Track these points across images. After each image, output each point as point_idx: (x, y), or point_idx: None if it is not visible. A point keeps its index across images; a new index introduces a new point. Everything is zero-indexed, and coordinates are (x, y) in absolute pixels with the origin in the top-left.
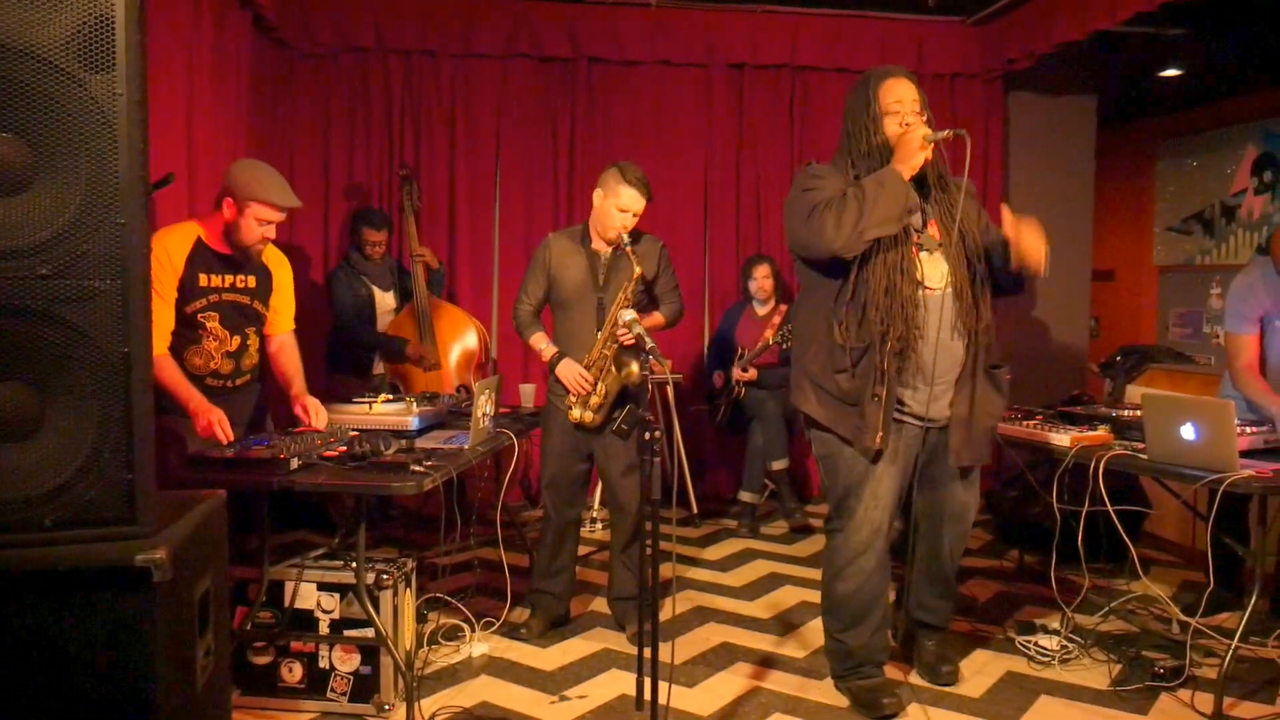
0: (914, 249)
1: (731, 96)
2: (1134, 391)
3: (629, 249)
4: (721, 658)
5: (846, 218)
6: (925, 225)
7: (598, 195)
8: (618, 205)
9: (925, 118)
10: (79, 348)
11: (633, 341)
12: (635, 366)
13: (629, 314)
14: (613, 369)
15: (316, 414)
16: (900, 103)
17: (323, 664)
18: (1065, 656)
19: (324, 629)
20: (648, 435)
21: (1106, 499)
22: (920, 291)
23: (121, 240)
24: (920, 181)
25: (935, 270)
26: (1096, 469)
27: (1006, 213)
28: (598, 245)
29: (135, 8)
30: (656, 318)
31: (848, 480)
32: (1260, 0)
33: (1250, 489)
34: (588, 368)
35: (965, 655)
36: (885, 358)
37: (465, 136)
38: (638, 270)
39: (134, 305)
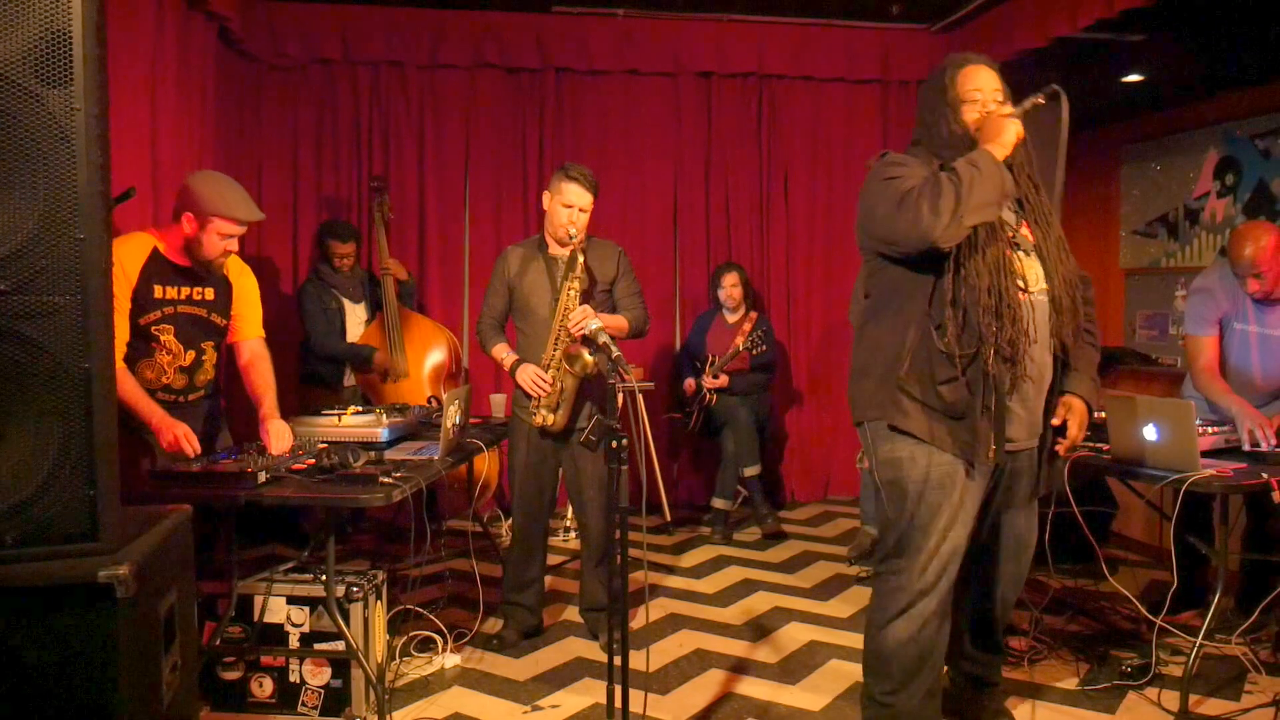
0: (1010, 249)
1: (699, 105)
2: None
3: (574, 242)
4: (694, 665)
5: (944, 202)
6: (1019, 225)
7: (546, 198)
8: (562, 202)
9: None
10: (39, 364)
11: (583, 333)
12: (586, 355)
13: (595, 323)
14: (565, 365)
15: (278, 439)
16: (980, 91)
17: (293, 678)
18: (1034, 657)
19: (294, 643)
20: (615, 444)
21: (1072, 500)
22: (1022, 294)
23: (81, 255)
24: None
25: (1032, 273)
26: (1061, 470)
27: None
28: (554, 250)
29: (94, 22)
30: (620, 320)
31: (916, 511)
32: (1216, 7)
33: (1211, 488)
34: (545, 368)
35: None
36: (995, 364)
37: (434, 147)
38: (581, 260)
39: (94, 320)
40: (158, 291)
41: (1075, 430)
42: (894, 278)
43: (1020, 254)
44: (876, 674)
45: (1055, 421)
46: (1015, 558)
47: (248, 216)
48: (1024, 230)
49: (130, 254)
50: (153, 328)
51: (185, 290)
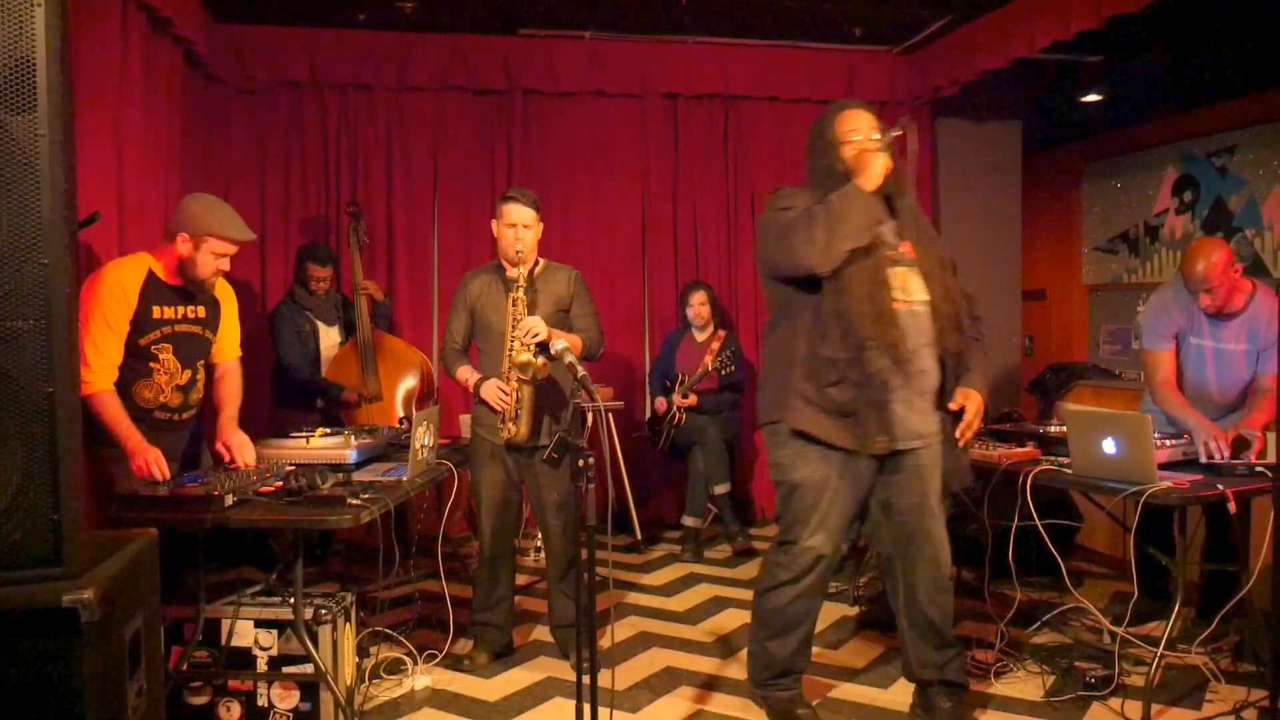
0: (886, 262)
1: (666, 126)
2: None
3: (522, 258)
4: (665, 682)
5: (817, 232)
6: (899, 244)
7: (494, 226)
8: (506, 223)
9: (887, 144)
10: (2, 388)
11: (533, 344)
12: (535, 359)
13: (561, 343)
14: (517, 373)
15: (240, 450)
16: (855, 131)
17: (261, 702)
18: (1000, 670)
19: (262, 666)
20: (581, 462)
21: (1034, 514)
22: (899, 303)
23: (45, 280)
24: (891, 207)
25: (911, 284)
26: (1024, 484)
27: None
28: (511, 273)
29: (57, 49)
30: (575, 339)
31: (798, 506)
32: (1169, 29)
33: (1168, 500)
34: (506, 380)
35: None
36: (876, 364)
37: (402, 169)
38: (523, 272)
39: (58, 345)
40: (156, 312)
41: (972, 417)
42: (786, 295)
43: (898, 268)
44: (760, 624)
45: (953, 407)
46: (929, 558)
47: (241, 235)
48: (903, 248)
49: (130, 277)
50: (152, 347)
51: (181, 310)
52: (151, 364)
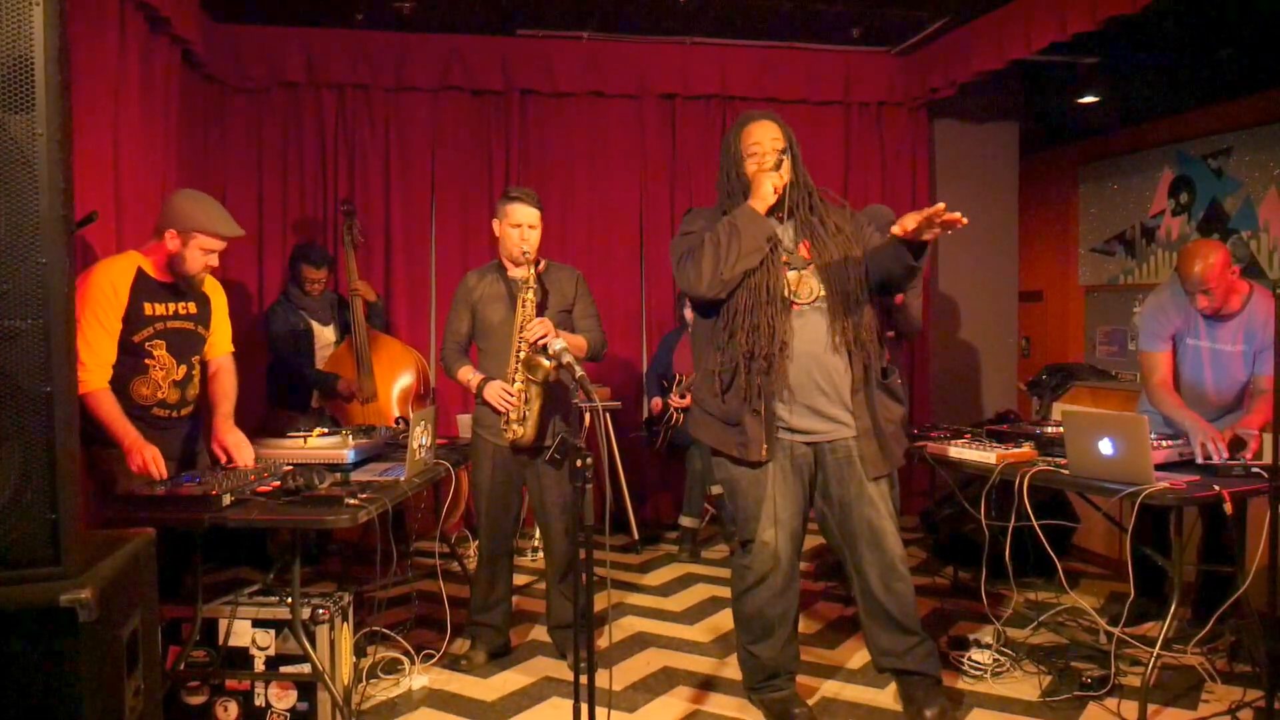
0: (783, 268)
1: (664, 126)
2: (1059, 409)
3: (529, 259)
4: (662, 682)
5: (705, 263)
6: (797, 245)
7: (495, 225)
8: (510, 223)
9: (784, 153)
10: (0, 388)
11: (542, 343)
12: (545, 361)
13: (559, 343)
14: (527, 374)
15: (237, 450)
16: (758, 144)
17: (258, 702)
18: (997, 670)
19: (259, 666)
20: (580, 463)
21: (1031, 514)
22: (788, 308)
23: (43, 280)
24: (792, 208)
25: (804, 286)
26: (1021, 485)
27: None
28: (513, 273)
29: (55, 48)
30: (579, 340)
31: (745, 504)
32: (1165, 31)
33: (1165, 500)
34: (510, 382)
35: None
36: (755, 374)
37: (400, 169)
38: (533, 273)
39: (56, 344)
40: (147, 309)
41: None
42: (699, 311)
43: (794, 271)
44: (743, 629)
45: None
46: (874, 545)
47: (229, 232)
48: (802, 248)
49: (119, 274)
50: (146, 344)
51: (172, 306)
52: (146, 360)
